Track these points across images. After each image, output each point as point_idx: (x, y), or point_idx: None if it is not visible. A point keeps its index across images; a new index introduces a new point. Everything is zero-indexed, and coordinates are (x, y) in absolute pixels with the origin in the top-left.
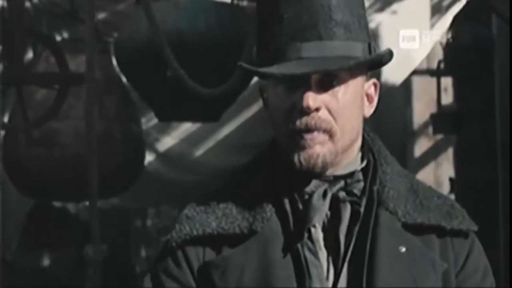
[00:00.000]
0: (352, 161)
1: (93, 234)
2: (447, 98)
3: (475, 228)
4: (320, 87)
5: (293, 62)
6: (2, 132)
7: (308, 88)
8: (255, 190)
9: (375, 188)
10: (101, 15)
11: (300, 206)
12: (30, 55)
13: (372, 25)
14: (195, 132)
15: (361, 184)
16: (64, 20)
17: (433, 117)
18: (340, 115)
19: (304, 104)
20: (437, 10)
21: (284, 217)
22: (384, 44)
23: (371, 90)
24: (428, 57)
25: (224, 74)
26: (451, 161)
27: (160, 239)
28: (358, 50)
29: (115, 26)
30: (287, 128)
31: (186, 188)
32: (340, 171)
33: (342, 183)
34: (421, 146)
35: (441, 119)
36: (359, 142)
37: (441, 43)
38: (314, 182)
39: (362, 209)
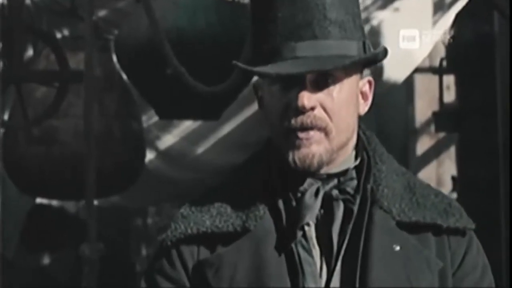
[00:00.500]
0: (346, 159)
1: (90, 233)
2: (449, 96)
3: (473, 226)
4: (315, 86)
5: (288, 61)
6: (2, 130)
7: (303, 87)
8: (249, 188)
9: (368, 186)
10: (101, 13)
11: (294, 204)
12: (30, 52)
13: (374, 22)
14: (196, 130)
15: (354, 182)
16: (64, 17)
17: (435, 115)
18: (335, 113)
19: (299, 103)
20: (439, 8)
21: (277, 215)
22: (386, 41)
23: (366, 88)
24: (430, 55)
25: (224, 72)
26: (453, 159)
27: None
28: (353, 49)
29: (115, 24)
30: (282, 127)
31: (187, 187)
32: (334, 169)
33: (335, 181)
34: (423, 144)
35: (443, 117)
36: (354, 140)
37: (443, 41)
38: (308, 180)
39: (355, 208)
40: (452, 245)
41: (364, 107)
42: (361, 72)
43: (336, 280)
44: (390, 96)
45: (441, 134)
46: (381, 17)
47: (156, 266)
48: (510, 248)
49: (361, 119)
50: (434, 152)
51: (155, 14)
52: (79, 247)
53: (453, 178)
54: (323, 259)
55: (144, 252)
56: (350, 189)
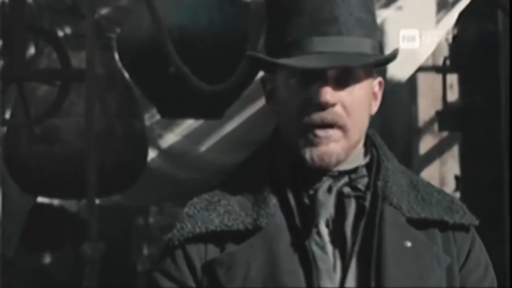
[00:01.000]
0: (356, 157)
1: (91, 232)
2: (453, 95)
3: (476, 222)
4: (335, 83)
5: (313, 55)
6: (3, 129)
7: (325, 83)
8: (256, 186)
9: (379, 183)
10: (103, 11)
11: (306, 201)
12: (31, 51)
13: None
14: (198, 128)
15: (366, 179)
16: (66, 15)
17: (438, 114)
18: (354, 112)
19: (322, 99)
20: (442, 7)
21: (288, 212)
22: (389, 40)
23: (377, 88)
24: (434, 54)
25: (226, 71)
26: (456, 158)
27: (162, 237)
28: (372, 47)
29: (117, 22)
30: (300, 123)
31: (189, 185)
32: (345, 166)
33: (346, 178)
34: (426, 144)
35: (446, 116)
36: (363, 138)
37: (446, 40)
38: (319, 178)
39: (367, 204)
40: (458, 241)
41: (374, 107)
42: (373, 72)
43: (350, 277)
44: (393, 95)
45: (444, 133)
46: (384, 16)
47: (161, 265)
48: None
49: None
50: (437, 151)
51: (157, 12)
52: (80, 247)
53: (456, 177)
54: (337, 256)
55: (145, 251)
56: (361, 186)
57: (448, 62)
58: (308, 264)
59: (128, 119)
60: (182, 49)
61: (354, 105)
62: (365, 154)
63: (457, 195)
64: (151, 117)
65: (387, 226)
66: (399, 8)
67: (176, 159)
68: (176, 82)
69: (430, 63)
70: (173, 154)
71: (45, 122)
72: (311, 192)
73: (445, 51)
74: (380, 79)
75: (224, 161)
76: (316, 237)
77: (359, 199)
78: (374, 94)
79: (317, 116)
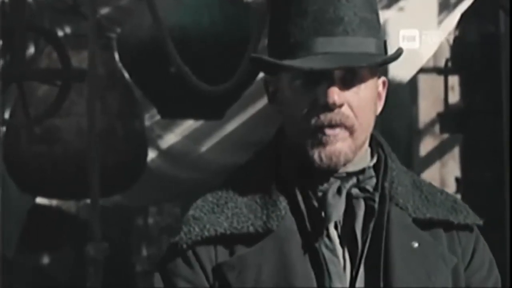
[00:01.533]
0: (363, 158)
1: (94, 233)
2: (454, 97)
3: (480, 222)
4: (342, 83)
5: (319, 56)
6: (3, 129)
7: (332, 84)
8: (262, 188)
9: (386, 184)
10: (103, 10)
11: (315, 204)
12: (32, 50)
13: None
14: (199, 129)
15: (373, 180)
16: (67, 15)
17: (440, 115)
18: (360, 112)
19: (330, 100)
20: (444, 8)
21: (298, 214)
22: (390, 41)
23: (381, 88)
24: (435, 55)
25: (227, 71)
26: (457, 160)
27: (162, 238)
28: (377, 47)
29: (118, 22)
30: (307, 124)
31: (189, 186)
32: (352, 167)
33: (354, 179)
34: (426, 145)
35: (448, 117)
36: (369, 138)
37: (448, 41)
38: (326, 179)
39: (376, 205)
40: (462, 241)
41: (379, 107)
42: (378, 72)
43: (360, 279)
44: (394, 96)
45: (445, 135)
46: (386, 17)
47: (172, 268)
48: None
49: None
50: (438, 153)
51: (158, 12)
52: (80, 247)
53: (456, 179)
54: (346, 258)
55: (144, 252)
56: (369, 187)
57: (449, 64)
58: (319, 267)
59: (128, 119)
60: (182, 49)
61: (360, 105)
62: (372, 155)
63: (458, 197)
64: (151, 117)
65: (394, 227)
66: (401, 9)
67: (176, 160)
68: (177, 82)
69: (431, 64)
70: (173, 154)
71: (45, 122)
72: (320, 194)
73: (447, 53)
74: (383, 78)
75: (225, 161)
76: (326, 239)
77: (368, 200)
78: (379, 94)
79: (325, 118)
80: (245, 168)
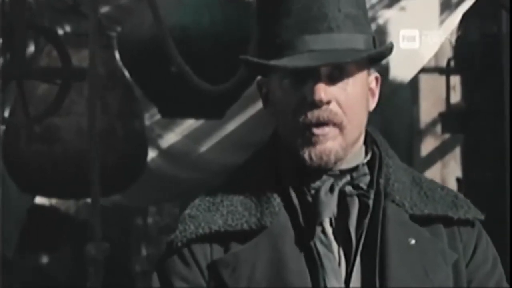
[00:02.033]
0: (356, 155)
1: (95, 232)
2: (455, 97)
3: (482, 217)
4: (329, 80)
5: (304, 54)
6: (3, 128)
7: (318, 81)
8: (258, 186)
9: (381, 180)
10: (104, 9)
11: (310, 200)
12: (32, 49)
13: (379, 21)
14: (199, 128)
15: (368, 177)
16: (67, 14)
17: (441, 115)
18: (349, 108)
19: (316, 97)
20: (446, 8)
21: (292, 211)
22: (392, 40)
23: (373, 84)
24: (436, 55)
25: (228, 71)
26: (458, 160)
27: (161, 238)
28: (365, 43)
29: (119, 21)
30: (296, 123)
31: (189, 185)
32: (346, 165)
33: (348, 177)
34: (427, 145)
35: (449, 118)
36: (363, 136)
37: (450, 41)
38: (319, 177)
39: (370, 202)
40: (463, 236)
41: (372, 104)
42: (369, 68)
43: (355, 276)
44: (395, 96)
45: (446, 135)
46: (387, 16)
47: (168, 266)
48: None
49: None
50: (439, 153)
51: (158, 11)
52: (80, 247)
53: (458, 179)
54: (341, 254)
55: (144, 251)
56: (363, 185)
57: (451, 64)
58: (314, 263)
59: (128, 119)
60: (183, 48)
61: (349, 101)
62: (366, 152)
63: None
64: (152, 116)
65: (390, 223)
66: (402, 8)
67: (176, 159)
68: (177, 81)
69: (432, 64)
70: (173, 154)
71: (45, 121)
72: (313, 191)
73: (448, 53)
74: (376, 74)
75: (225, 161)
76: (321, 235)
77: (362, 198)
78: (371, 90)
79: (312, 115)
80: (243, 168)
